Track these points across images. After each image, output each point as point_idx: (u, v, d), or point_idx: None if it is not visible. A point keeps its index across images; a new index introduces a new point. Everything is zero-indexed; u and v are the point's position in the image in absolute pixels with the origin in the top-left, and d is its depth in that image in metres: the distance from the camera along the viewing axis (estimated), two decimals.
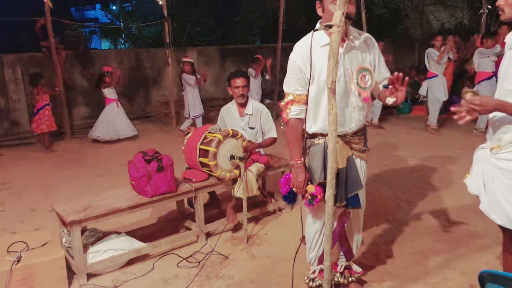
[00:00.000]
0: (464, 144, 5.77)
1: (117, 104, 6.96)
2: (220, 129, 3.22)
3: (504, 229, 2.05)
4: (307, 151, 2.25)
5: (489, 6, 7.57)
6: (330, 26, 1.78)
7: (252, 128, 3.57)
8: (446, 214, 3.58)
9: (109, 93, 6.86)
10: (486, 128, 2.08)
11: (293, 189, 2.25)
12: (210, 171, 3.18)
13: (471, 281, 2.54)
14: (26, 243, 2.62)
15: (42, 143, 6.50)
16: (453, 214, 3.56)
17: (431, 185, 4.32)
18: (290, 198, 2.34)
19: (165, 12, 7.76)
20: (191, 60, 7.02)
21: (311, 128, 2.23)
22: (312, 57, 2.06)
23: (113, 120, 6.86)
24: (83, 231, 2.83)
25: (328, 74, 1.81)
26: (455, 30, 12.87)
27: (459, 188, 4.11)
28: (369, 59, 2.19)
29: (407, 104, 8.53)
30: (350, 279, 2.52)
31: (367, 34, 2.24)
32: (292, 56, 2.19)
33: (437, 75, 6.99)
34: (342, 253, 2.50)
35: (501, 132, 1.93)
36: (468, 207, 3.63)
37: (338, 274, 2.52)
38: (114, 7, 16.37)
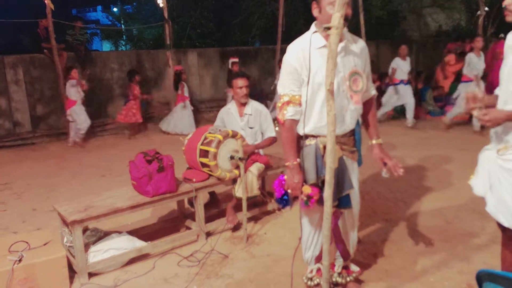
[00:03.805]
0: (461, 145, 5.79)
1: (190, 102, 7.61)
2: (220, 130, 3.25)
3: (503, 229, 2.05)
4: (301, 152, 2.26)
5: (487, 8, 7.59)
6: (329, 28, 1.81)
7: (251, 128, 3.60)
8: (443, 213, 3.59)
9: (185, 91, 7.48)
10: (482, 127, 2.07)
11: (288, 191, 2.25)
12: (211, 171, 3.21)
13: (469, 281, 2.55)
14: (27, 243, 2.63)
15: (131, 131, 7.44)
16: (450, 214, 3.58)
17: (429, 185, 4.34)
18: (284, 200, 2.35)
19: (165, 14, 7.81)
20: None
21: (303, 129, 2.23)
22: (310, 59, 2.08)
23: (183, 116, 7.47)
24: (84, 231, 2.85)
25: (327, 75, 1.82)
26: (452, 32, 12.93)
27: (456, 188, 4.13)
28: (360, 64, 2.21)
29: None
30: (348, 279, 2.53)
31: (361, 41, 2.26)
32: (287, 57, 2.19)
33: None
34: (338, 253, 2.51)
35: (508, 133, 1.93)
36: (465, 207, 3.66)
37: (335, 274, 2.53)
38: (115, 9, 16.41)
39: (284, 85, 2.20)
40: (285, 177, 2.28)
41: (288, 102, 2.18)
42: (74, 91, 6.54)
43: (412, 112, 7.37)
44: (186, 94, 7.53)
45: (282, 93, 2.22)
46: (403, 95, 7.37)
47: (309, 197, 2.15)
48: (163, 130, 7.65)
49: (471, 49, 6.88)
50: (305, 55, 2.11)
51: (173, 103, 8.04)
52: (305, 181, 2.20)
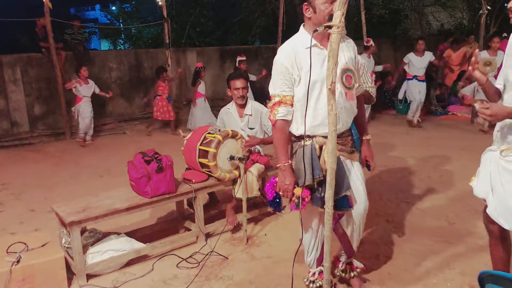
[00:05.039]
0: (463, 145, 5.76)
1: (205, 99, 7.56)
2: (219, 130, 3.22)
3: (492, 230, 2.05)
4: (294, 153, 2.24)
5: (489, 7, 7.56)
6: (330, 27, 1.78)
7: (251, 129, 3.57)
8: (445, 214, 3.58)
9: (202, 88, 7.47)
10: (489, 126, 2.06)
11: (280, 193, 2.23)
12: (210, 171, 3.18)
13: (471, 282, 2.54)
14: (25, 244, 2.62)
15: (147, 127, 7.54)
16: (452, 215, 3.56)
17: (431, 185, 4.32)
18: (276, 203, 2.32)
19: (164, 13, 7.77)
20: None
21: (298, 130, 2.21)
22: (300, 59, 2.08)
23: (205, 112, 7.40)
24: (82, 232, 2.83)
25: (328, 75, 1.82)
26: (454, 30, 12.90)
27: (458, 189, 4.11)
28: (351, 61, 2.20)
29: (406, 105, 8.51)
30: (351, 274, 2.52)
31: (348, 38, 2.26)
32: (278, 57, 2.18)
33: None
34: (343, 250, 2.49)
35: None
36: (467, 207, 3.64)
37: (339, 270, 2.52)
38: (113, 8, 16.39)
39: (275, 85, 2.20)
40: (277, 178, 2.25)
41: (279, 103, 2.18)
42: (82, 89, 6.68)
43: (415, 111, 7.18)
44: (203, 91, 7.52)
45: (273, 94, 2.22)
46: (413, 92, 7.14)
47: (301, 199, 2.12)
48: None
49: (488, 48, 6.69)
50: (296, 54, 2.11)
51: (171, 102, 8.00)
52: (297, 183, 2.18)
